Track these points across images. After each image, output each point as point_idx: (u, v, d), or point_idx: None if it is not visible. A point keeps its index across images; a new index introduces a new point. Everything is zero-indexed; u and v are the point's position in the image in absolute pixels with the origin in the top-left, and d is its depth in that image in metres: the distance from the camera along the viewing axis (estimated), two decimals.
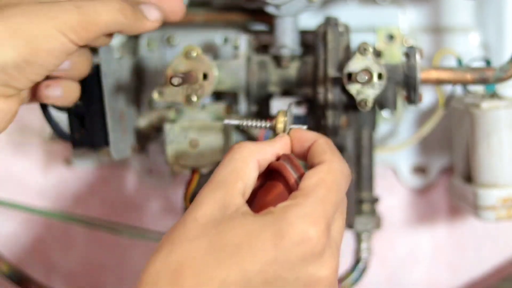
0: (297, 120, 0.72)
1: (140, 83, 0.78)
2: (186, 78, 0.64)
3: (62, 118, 0.83)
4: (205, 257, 0.48)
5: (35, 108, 0.88)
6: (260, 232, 0.49)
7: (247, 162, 0.53)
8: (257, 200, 0.55)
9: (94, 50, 0.63)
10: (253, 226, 0.50)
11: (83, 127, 0.68)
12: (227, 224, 0.50)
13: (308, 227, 0.50)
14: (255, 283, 0.49)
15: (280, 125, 0.58)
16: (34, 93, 0.63)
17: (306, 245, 0.50)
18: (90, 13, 0.57)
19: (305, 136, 0.56)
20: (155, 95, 0.66)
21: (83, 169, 0.89)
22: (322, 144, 0.55)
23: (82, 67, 0.62)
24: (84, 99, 0.67)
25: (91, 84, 0.66)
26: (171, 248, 0.49)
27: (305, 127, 0.58)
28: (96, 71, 0.66)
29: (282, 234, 0.49)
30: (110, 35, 0.61)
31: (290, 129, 0.57)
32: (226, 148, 0.71)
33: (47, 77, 0.60)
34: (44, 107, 0.68)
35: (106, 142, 0.67)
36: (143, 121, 0.77)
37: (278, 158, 0.56)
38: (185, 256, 0.49)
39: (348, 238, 0.80)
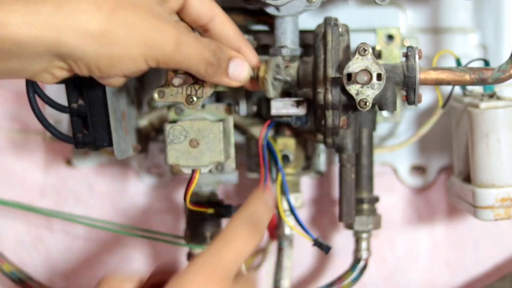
0: (297, 120, 0.72)
1: (140, 83, 0.79)
2: (187, 79, 0.64)
3: (63, 118, 0.84)
4: None
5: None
6: None
7: None
8: None
9: None
10: None
11: (86, 127, 0.68)
12: None
13: None
14: None
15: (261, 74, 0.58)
16: None
17: None
18: (182, 51, 0.57)
19: None
20: (156, 95, 0.66)
21: (84, 169, 0.89)
22: None
23: None
24: (86, 99, 0.67)
25: (93, 84, 0.66)
26: None
27: None
28: None
29: None
30: None
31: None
32: (226, 148, 0.72)
33: None
34: (36, 110, 0.67)
35: (109, 142, 0.67)
36: (144, 121, 0.78)
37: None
38: None
39: (348, 238, 0.80)
